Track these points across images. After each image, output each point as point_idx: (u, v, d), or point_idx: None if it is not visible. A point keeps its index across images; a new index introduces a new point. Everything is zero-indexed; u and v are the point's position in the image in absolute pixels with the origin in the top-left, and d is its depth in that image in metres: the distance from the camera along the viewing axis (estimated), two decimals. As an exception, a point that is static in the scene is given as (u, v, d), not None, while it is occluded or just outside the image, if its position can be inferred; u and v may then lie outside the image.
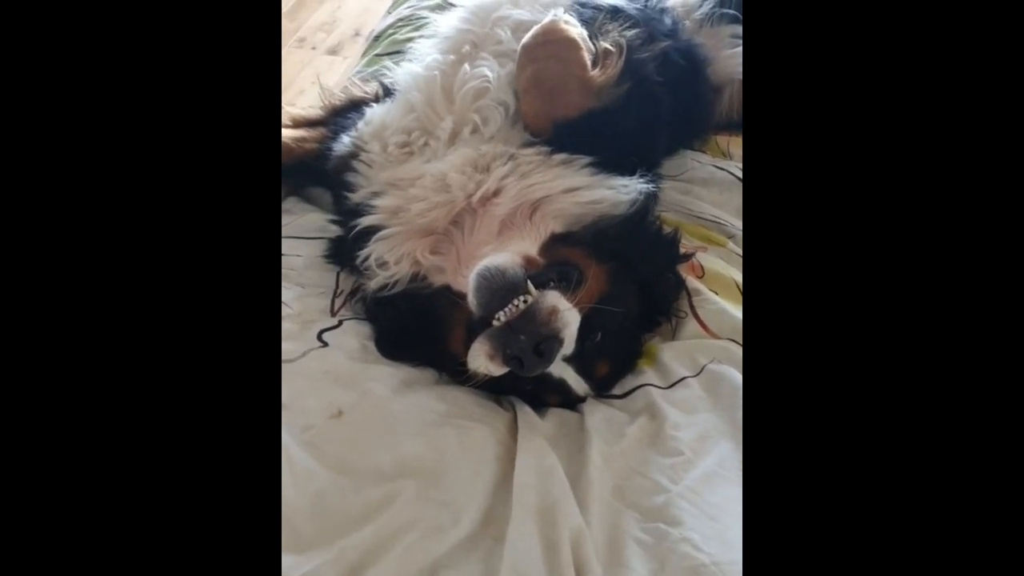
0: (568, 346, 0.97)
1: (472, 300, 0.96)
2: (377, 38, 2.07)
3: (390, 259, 1.09)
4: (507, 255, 0.98)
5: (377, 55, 1.88)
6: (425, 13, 1.77)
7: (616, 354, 1.08)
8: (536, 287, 0.97)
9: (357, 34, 3.79)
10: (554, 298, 0.96)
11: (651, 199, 1.13)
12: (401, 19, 1.99)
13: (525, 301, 0.94)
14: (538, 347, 0.92)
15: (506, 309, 0.93)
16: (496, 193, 1.10)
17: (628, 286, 1.09)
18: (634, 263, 1.09)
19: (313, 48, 3.87)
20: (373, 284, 1.10)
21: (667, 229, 1.19)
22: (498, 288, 0.94)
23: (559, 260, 1.04)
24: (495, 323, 0.94)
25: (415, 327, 1.09)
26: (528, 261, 1.00)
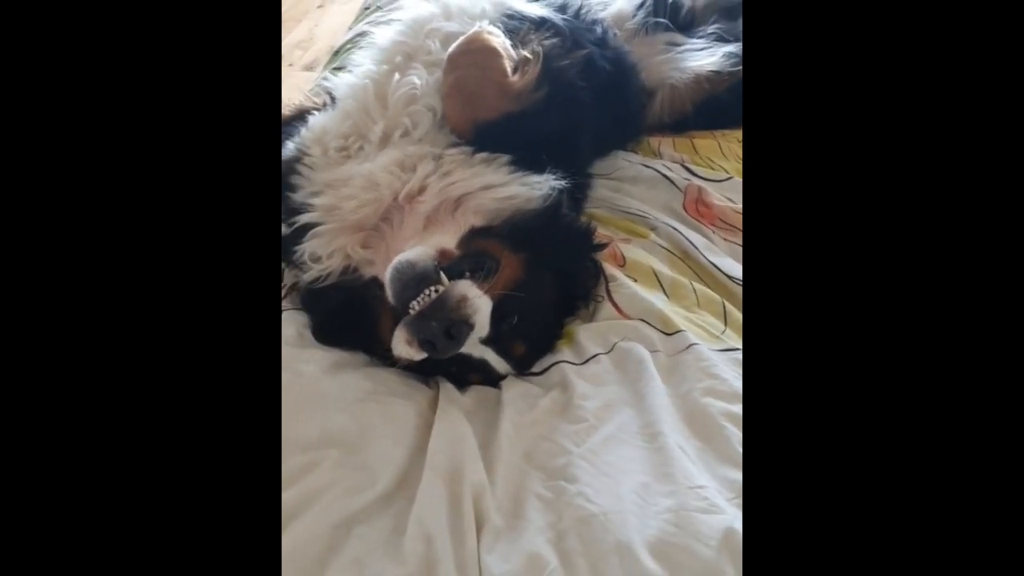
0: (481, 329, 1.07)
1: (388, 292, 1.05)
2: (336, 53, 2.18)
3: (323, 253, 1.18)
4: (421, 249, 1.08)
5: (334, 69, 1.98)
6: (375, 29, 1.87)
7: (533, 335, 1.17)
8: (451, 277, 1.06)
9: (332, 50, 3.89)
10: (464, 287, 1.05)
11: (563, 194, 1.21)
12: (358, 34, 2.09)
13: (437, 290, 1.03)
14: (448, 331, 1.01)
15: (419, 298, 1.02)
16: (421, 191, 1.19)
17: (543, 274, 1.18)
18: (549, 253, 1.18)
19: (290, 65, 3.98)
20: (307, 277, 1.20)
21: (582, 221, 1.29)
22: (409, 279, 1.03)
23: (475, 251, 1.13)
24: (411, 312, 1.03)
25: (347, 316, 1.18)
26: (443, 254, 1.10)
